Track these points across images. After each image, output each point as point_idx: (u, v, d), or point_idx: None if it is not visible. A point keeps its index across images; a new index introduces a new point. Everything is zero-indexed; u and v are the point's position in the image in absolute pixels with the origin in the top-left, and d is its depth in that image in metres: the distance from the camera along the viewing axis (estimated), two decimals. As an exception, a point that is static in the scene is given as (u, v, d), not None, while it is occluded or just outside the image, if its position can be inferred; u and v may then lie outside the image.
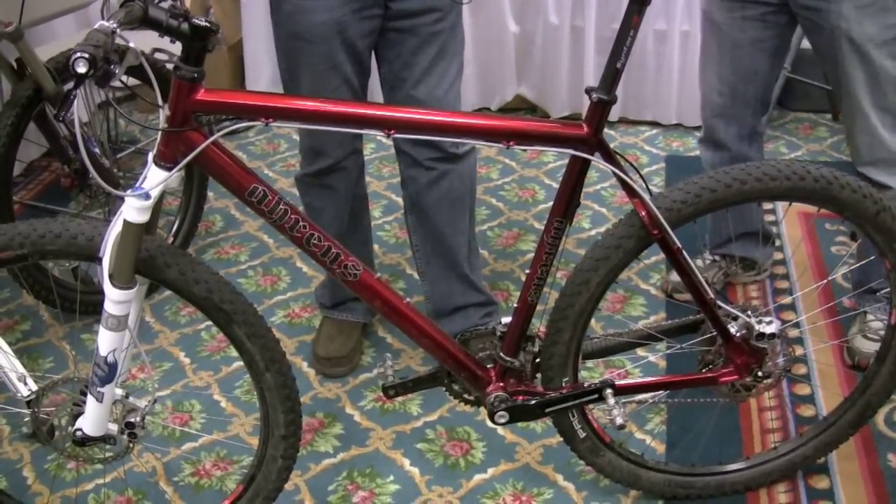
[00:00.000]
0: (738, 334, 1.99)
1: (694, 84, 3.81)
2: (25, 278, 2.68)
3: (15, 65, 2.69)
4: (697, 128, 3.94)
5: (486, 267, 3.12)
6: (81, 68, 1.42)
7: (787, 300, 2.87)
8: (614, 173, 1.81)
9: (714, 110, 2.68)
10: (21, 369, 2.28)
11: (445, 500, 2.24)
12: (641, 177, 1.88)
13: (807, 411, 2.46)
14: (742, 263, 2.91)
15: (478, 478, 2.30)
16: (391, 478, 2.31)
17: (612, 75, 1.75)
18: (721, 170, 1.86)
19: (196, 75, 1.64)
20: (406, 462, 2.36)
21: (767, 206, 3.29)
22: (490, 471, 2.32)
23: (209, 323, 2.86)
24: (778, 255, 3.06)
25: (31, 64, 2.58)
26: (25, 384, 2.28)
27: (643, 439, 2.38)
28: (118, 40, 1.52)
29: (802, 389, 2.53)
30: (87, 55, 1.41)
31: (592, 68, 3.98)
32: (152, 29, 1.57)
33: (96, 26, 1.48)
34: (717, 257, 2.91)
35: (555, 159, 3.83)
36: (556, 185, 3.71)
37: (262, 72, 4.33)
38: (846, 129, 2.47)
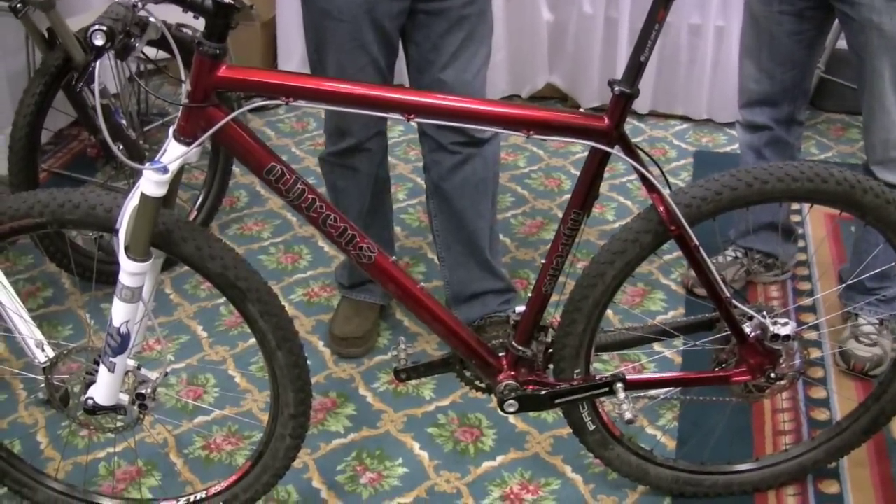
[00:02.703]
0: (752, 335, 1.97)
1: (726, 80, 3.82)
2: (47, 246, 2.70)
3: (46, 34, 2.70)
4: (728, 124, 3.93)
5: (507, 255, 3.12)
6: (99, 41, 1.42)
7: (807, 301, 2.85)
8: (634, 167, 1.80)
9: (752, 98, 2.71)
10: (39, 336, 2.31)
11: (452, 486, 2.25)
12: (662, 171, 1.86)
13: (821, 415, 2.44)
14: (764, 262, 2.90)
15: (486, 465, 2.31)
16: (400, 460, 2.32)
17: (635, 68, 1.74)
18: (743, 168, 1.85)
19: (218, 52, 1.63)
20: (416, 446, 2.36)
21: (795, 204, 3.27)
22: (499, 458, 2.33)
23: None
24: (801, 257, 3.04)
25: (61, 34, 2.60)
26: (43, 350, 2.31)
27: (654, 434, 2.37)
28: (143, 13, 1.53)
29: (818, 392, 2.51)
30: (104, 28, 1.41)
31: (625, 60, 3.92)
32: (175, 3, 1.57)
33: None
34: (738, 254, 2.89)
35: (583, 150, 3.81)
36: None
37: (295, 49, 4.33)
38: (864, 125, 2.47)
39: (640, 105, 4.03)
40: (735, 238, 2.92)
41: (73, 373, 1.96)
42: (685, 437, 2.36)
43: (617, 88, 1.75)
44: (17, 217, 1.76)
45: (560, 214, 3.32)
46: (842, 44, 3.24)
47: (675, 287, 2.93)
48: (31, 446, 2.35)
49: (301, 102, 1.70)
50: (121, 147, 2.78)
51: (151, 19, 1.55)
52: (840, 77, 3.82)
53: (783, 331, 1.96)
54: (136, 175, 2.91)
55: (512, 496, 2.22)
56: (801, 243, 3.09)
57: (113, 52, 1.47)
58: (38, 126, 2.66)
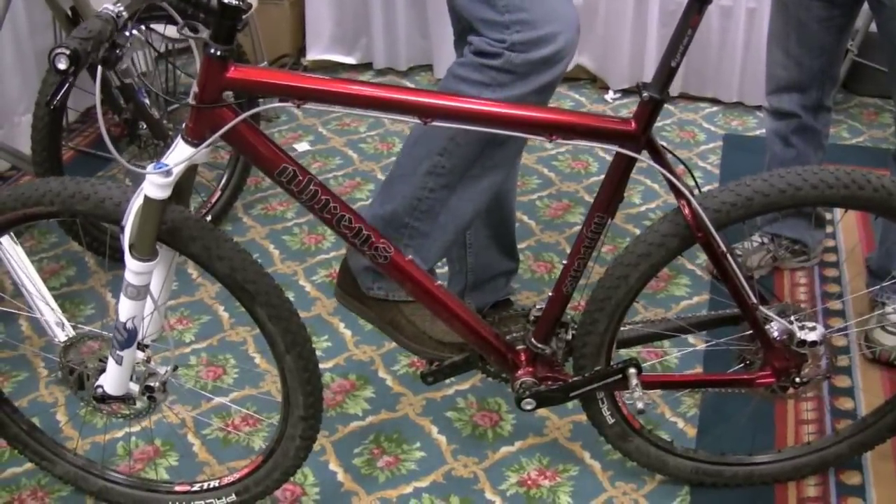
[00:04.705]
0: (778, 339, 1.93)
1: (757, 63, 3.77)
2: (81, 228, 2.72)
3: (69, 13, 2.70)
4: (758, 107, 3.87)
5: (532, 237, 3.10)
6: (62, 65, 1.36)
7: (835, 301, 2.81)
8: (662, 174, 1.76)
9: (779, 84, 2.66)
10: (60, 315, 2.31)
11: (470, 471, 2.24)
12: (691, 173, 1.82)
13: (845, 404, 2.41)
14: (791, 248, 2.86)
15: (504, 450, 2.30)
16: (417, 444, 2.31)
17: (665, 74, 1.68)
18: (777, 172, 1.79)
19: (226, 53, 1.59)
20: (434, 430, 2.36)
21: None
22: (517, 444, 2.31)
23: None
24: (828, 242, 3.00)
25: (84, 12, 2.60)
26: (63, 329, 2.32)
27: (674, 422, 2.35)
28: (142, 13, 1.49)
29: (842, 382, 2.47)
30: (67, 52, 1.35)
31: (655, 41, 3.92)
32: (181, 2, 1.53)
33: (100, 10, 1.43)
34: (765, 239, 2.85)
35: (610, 132, 3.78)
36: (610, 158, 3.66)
37: (323, 29, 4.32)
38: (895, 114, 2.42)
39: (671, 87, 3.99)
40: (762, 223, 2.88)
41: (87, 358, 1.95)
42: (706, 425, 2.34)
43: (646, 94, 1.69)
44: (30, 204, 1.76)
45: (586, 197, 3.31)
46: (875, 27, 3.18)
47: (700, 272, 2.90)
48: (51, 424, 2.36)
49: (313, 105, 1.66)
50: (144, 127, 2.78)
51: (135, 32, 1.50)
52: (873, 61, 3.75)
53: (810, 336, 1.91)
54: (160, 155, 2.92)
55: (529, 482, 2.21)
56: (828, 229, 3.04)
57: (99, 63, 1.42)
58: (61, 105, 2.66)
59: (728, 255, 1.81)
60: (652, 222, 1.88)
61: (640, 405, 1.93)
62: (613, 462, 2.24)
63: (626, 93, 4.11)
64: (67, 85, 1.46)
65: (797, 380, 1.97)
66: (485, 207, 2.11)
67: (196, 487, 2.08)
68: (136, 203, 1.65)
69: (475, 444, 2.31)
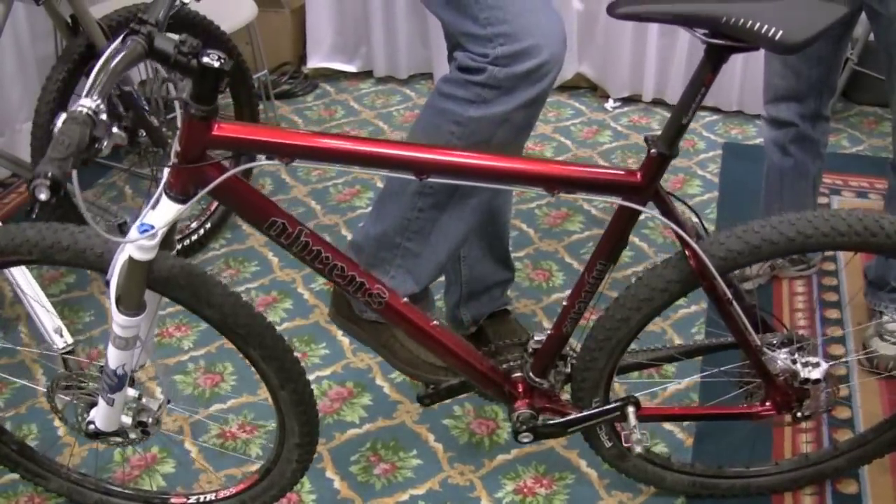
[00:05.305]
0: (781, 378, 1.92)
1: (757, 72, 3.77)
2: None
3: (70, 21, 2.71)
4: (758, 116, 3.87)
5: (530, 245, 3.10)
6: (43, 196, 1.25)
7: (835, 314, 2.81)
8: (669, 226, 1.73)
9: (777, 93, 2.65)
10: (58, 322, 2.32)
11: (466, 479, 2.24)
12: (699, 218, 1.82)
13: (842, 413, 2.40)
14: (790, 257, 2.86)
15: (500, 458, 2.30)
16: (414, 452, 2.31)
17: (675, 130, 1.65)
18: (787, 219, 1.74)
19: (208, 114, 1.52)
20: (431, 437, 2.36)
21: (823, 190, 3.23)
22: (514, 451, 2.31)
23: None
24: (827, 251, 3.00)
25: (83, 21, 2.61)
26: (61, 336, 2.33)
27: (672, 430, 2.35)
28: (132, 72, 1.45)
29: (840, 391, 2.47)
30: (48, 182, 1.24)
31: (655, 50, 3.92)
32: (159, 62, 1.47)
33: (72, 110, 1.32)
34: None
35: (610, 140, 3.79)
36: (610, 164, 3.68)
37: (324, 37, 4.33)
38: (893, 124, 2.42)
39: (671, 96, 4.00)
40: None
41: (75, 394, 1.91)
42: (703, 433, 2.34)
43: (654, 150, 1.66)
44: (7, 253, 1.72)
45: (586, 206, 3.31)
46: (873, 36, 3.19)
47: (699, 281, 2.90)
48: (50, 432, 2.37)
49: (301, 163, 1.60)
50: (143, 134, 2.79)
51: (114, 130, 1.37)
52: (873, 70, 3.75)
53: (813, 374, 1.90)
54: (159, 162, 2.93)
55: (525, 490, 2.21)
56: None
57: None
58: (59, 112, 2.66)
59: (734, 302, 1.79)
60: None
61: (638, 449, 1.92)
62: (610, 471, 2.23)
63: (626, 101, 4.12)
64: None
65: (798, 414, 1.97)
66: (476, 226, 2.09)
67: (192, 500, 2.08)
68: (121, 259, 1.60)
69: (472, 452, 2.31)
